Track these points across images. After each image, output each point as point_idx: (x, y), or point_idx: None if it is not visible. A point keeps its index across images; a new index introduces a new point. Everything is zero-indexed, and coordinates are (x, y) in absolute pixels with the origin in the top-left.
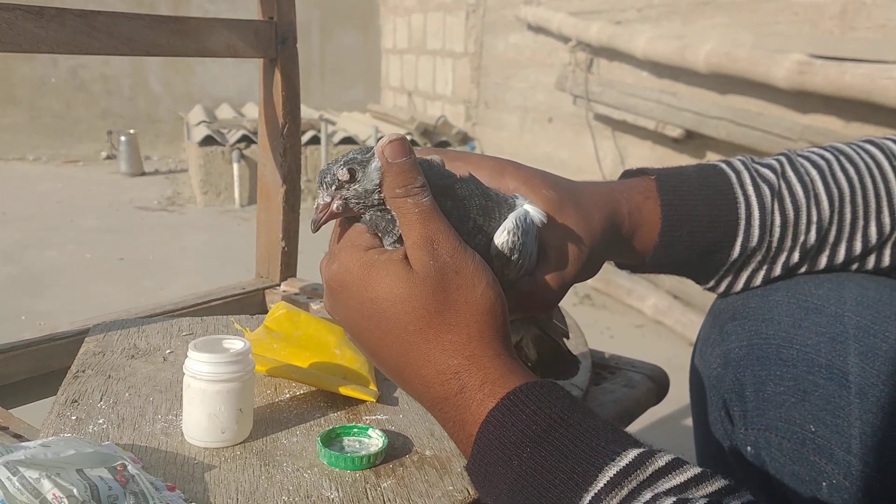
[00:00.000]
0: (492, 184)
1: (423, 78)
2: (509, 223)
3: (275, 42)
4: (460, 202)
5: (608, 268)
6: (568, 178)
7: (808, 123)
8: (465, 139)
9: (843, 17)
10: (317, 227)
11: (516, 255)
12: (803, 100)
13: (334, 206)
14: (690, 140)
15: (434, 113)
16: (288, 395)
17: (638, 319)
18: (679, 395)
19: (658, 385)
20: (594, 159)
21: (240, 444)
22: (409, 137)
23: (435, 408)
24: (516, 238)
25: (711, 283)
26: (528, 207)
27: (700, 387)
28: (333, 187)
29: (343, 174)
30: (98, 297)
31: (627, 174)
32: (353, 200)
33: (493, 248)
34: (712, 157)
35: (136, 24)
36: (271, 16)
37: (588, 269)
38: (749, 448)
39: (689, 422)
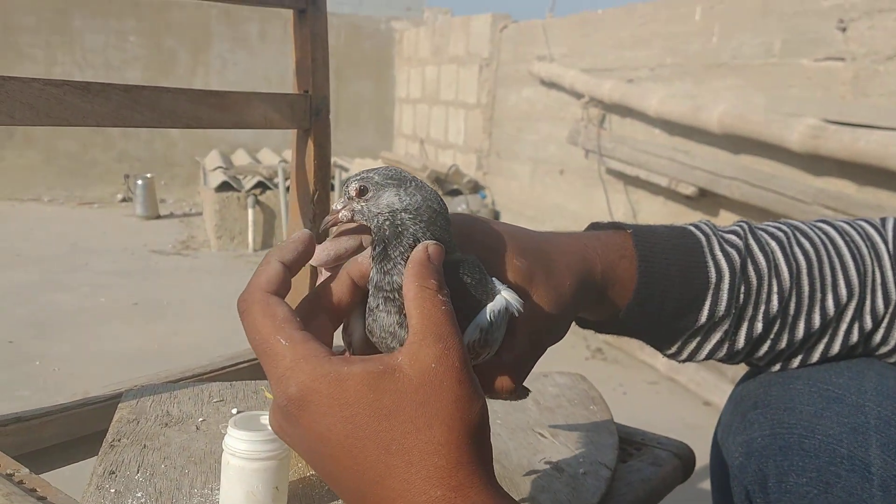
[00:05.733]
0: (462, 243)
1: (435, 127)
2: (484, 319)
3: (309, 114)
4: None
5: None
6: (541, 235)
7: (821, 186)
8: (476, 188)
9: (856, 83)
10: (324, 227)
11: (486, 350)
12: (817, 163)
13: (341, 214)
14: (703, 198)
15: (446, 161)
16: None
17: (651, 376)
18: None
19: (684, 463)
20: (606, 212)
21: None
22: None
23: None
24: (489, 336)
25: (673, 350)
26: (507, 297)
27: (722, 475)
28: (346, 197)
29: (353, 189)
30: (112, 342)
31: (597, 226)
32: (358, 214)
33: (466, 342)
34: (726, 216)
35: (178, 98)
36: (307, 89)
37: (556, 336)
38: None
39: (703, 487)
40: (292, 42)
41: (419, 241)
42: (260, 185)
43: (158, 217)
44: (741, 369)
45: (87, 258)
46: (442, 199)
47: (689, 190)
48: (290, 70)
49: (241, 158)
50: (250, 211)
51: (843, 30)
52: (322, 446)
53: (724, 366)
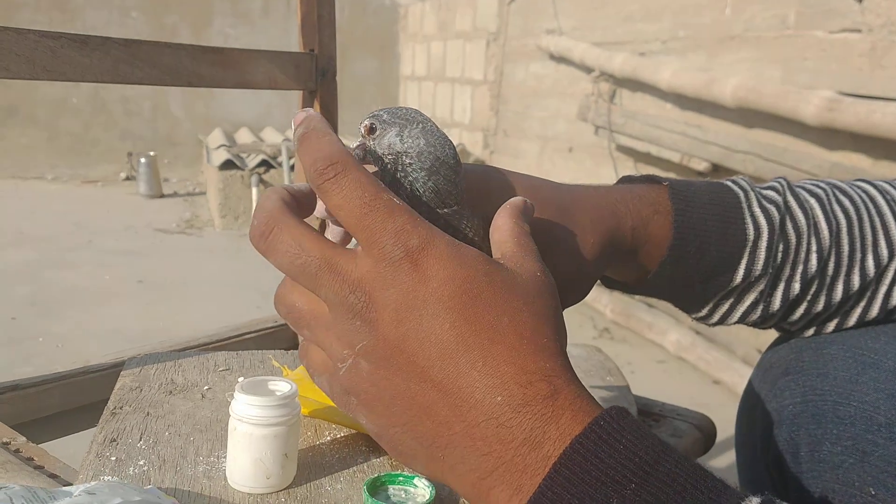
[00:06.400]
0: (476, 197)
1: (440, 105)
2: None
3: (315, 74)
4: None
5: (628, 301)
6: (565, 188)
7: (836, 160)
8: None
9: (873, 55)
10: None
11: None
12: (831, 137)
13: (355, 153)
14: (716, 173)
15: (452, 140)
16: (329, 438)
17: (659, 355)
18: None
19: (705, 435)
20: None
21: (284, 490)
22: None
23: (498, 418)
24: None
25: (704, 312)
26: None
27: (749, 446)
28: (359, 135)
29: (364, 127)
30: (116, 320)
31: (630, 180)
32: (369, 154)
33: None
34: None
35: (178, 54)
36: (312, 48)
37: (577, 296)
38: None
39: (716, 465)
40: None
41: (416, 190)
42: (264, 163)
43: (162, 196)
44: (752, 349)
45: (90, 236)
46: (452, 147)
47: (701, 165)
48: (293, 48)
49: (244, 137)
50: (254, 189)
51: (860, 0)
52: (430, 299)
53: (734, 344)
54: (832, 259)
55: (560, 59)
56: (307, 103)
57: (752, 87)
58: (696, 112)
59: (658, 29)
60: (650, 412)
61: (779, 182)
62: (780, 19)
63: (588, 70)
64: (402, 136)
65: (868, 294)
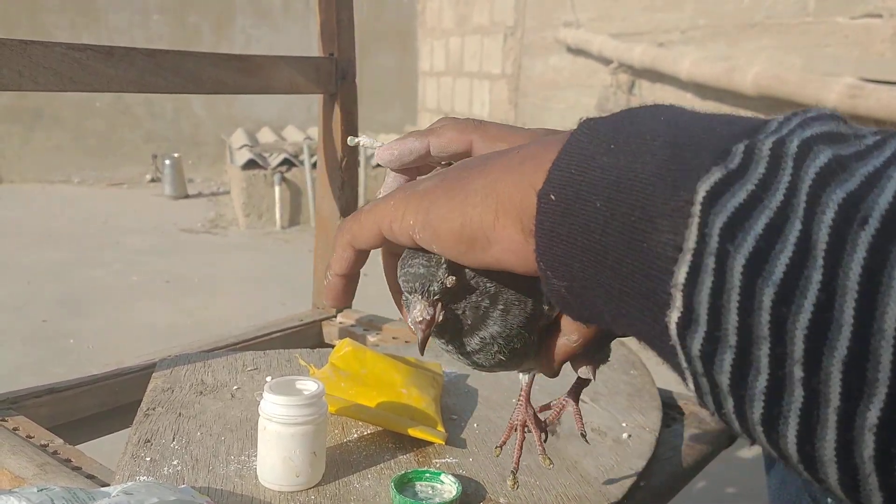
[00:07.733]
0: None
1: (459, 99)
2: None
3: (335, 78)
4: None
5: None
6: None
7: None
8: None
9: (895, 39)
10: (425, 346)
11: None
12: (855, 123)
13: (440, 316)
14: None
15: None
16: (356, 436)
17: None
18: None
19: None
20: None
21: (313, 487)
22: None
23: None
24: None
25: None
26: None
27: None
28: (437, 297)
29: (451, 281)
30: (145, 319)
31: None
32: (451, 303)
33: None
34: None
35: (202, 62)
36: (332, 52)
37: None
38: None
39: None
40: (316, 4)
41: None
42: (286, 162)
43: (187, 196)
44: None
45: (118, 237)
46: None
47: None
48: (314, 46)
49: (266, 136)
50: (277, 188)
51: None
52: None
53: None
54: None
55: (578, 52)
56: (328, 107)
57: (774, 74)
58: (717, 101)
59: (678, 18)
60: (674, 405)
61: None
62: (800, 6)
63: (606, 62)
64: None
65: None
